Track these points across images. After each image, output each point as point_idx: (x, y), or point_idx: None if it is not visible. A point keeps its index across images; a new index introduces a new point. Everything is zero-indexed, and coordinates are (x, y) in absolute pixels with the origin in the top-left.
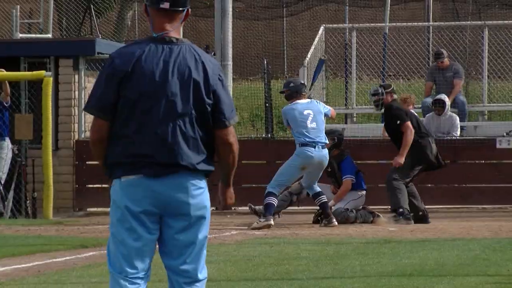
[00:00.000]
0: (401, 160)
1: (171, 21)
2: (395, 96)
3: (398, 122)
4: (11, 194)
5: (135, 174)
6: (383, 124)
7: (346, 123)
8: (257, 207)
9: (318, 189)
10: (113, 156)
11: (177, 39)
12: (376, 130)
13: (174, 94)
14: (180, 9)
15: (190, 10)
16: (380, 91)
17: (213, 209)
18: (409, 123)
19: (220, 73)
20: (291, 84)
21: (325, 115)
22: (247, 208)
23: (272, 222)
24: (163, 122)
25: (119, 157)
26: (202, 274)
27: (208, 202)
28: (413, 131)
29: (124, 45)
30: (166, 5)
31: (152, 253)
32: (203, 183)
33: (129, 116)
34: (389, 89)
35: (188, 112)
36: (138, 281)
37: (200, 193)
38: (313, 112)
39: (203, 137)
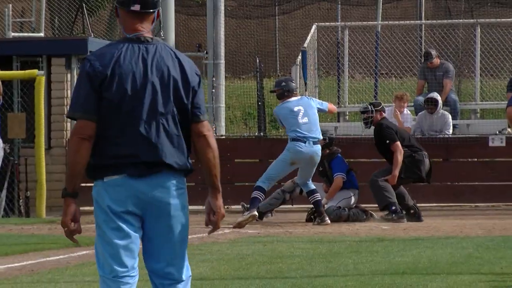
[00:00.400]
0: (395, 180)
1: (142, 22)
2: (384, 114)
3: (388, 142)
4: (4, 193)
5: (118, 175)
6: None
7: (338, 121)
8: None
9: (312, 186)
10: (96, 157)
11: (151, 38)
12: (369, 129)
13: (155, 93)
14: (151, 10)
15: (160, 11)
16: (369, 108)
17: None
18: (398, 143)
19: (196, 69)
20: (283, 83)
21: (321, 110)
22: (240, 206)
23: (255, 212)
24: (146, 122)
25: (103, 158)
26: (186, 273)
27: (187, 203)
28: (402, 151)
29: (100, 47)
30: (136, 7)
31: (138, 250)
32: (183, 183)
33: (112, 117)
34: (379, 107)
35: (170, 110)
36: (129, 280)
37: (180, 193)
38: (304, 108)
39: (185, 135)
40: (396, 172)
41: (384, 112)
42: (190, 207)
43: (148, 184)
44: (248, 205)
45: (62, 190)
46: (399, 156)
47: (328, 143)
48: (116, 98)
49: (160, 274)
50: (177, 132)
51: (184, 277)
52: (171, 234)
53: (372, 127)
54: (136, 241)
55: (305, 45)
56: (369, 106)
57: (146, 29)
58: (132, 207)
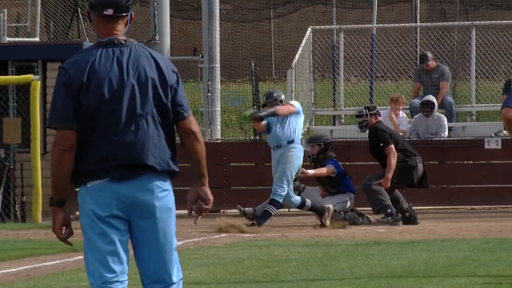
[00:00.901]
0: (388, 183)
1: (116, 26)
2: (379, 118)
3: (381, 144)
4: (1, 198)
5: (100, 179)
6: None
7: (334, 124)
8: (246, 209)
9: (298, 199)
10: (78, 163)
11: (125, 40)
12: (364, 132)
13: (133, 95)
14: (124, 14)
15: (133, 14)
16: (364, 112)
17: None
18: (392, 146)
19: (173, 67)
20: (274, 94)
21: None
22: (237, 210)
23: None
24: (126, 124)
25: (84, 164)
26: (176, 276)
27: (173, 205)
28: (396, 154)
29: (75, 54)
30: (109, 11)
31: (127, 254)
32: (168, 185)
33: (92, 122)
34: (374, 111)
35: (149, 111)
36: (119, 285)
37: (165, 195)
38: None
39: (166, 135)
40: (389, 175)
41: (379, 115)
42: (184, 211)
43: (131, 187)
44: (245, 209)
45: (49, 199)
46: (393, 159)
47: (323, 148)
48: (94, 103)
49: (151, 277)
50: (158, 133)
51: (175, 279)
52: (157, 236)
53: (367, 131)
54: (123, 245)
55: (301, 48)
56: (364, 110)
57: (119, 32)
58: (117, 211)
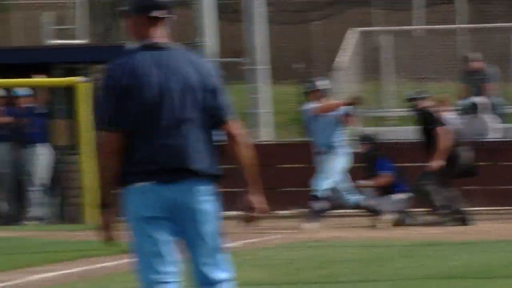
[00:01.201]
0: (438, 163)
1: (159, 29)
2: (429, 103)
3: (432, 126)
4: (55, 200)
5: (145, 181)
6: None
7: (380, 126)
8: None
9: (354, 199)
10: (124, 165)
11: (167, 43)
12: (411, 132)
13: (174, 99)
14: (168, 16)
15: (174, 16)
16: (416, 96)
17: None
18: (443, 127)
19: (215, 71)
20: (318, 82)
21: None
22: (288, 211)
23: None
24: (169, 129)
25: (130, 166)
26: (225, 276)
27: (217, 207)
28: (447, 135)
29: (119, 57)
30: (158, 13)
31: (175, 255)
32: (211, 189)
33: (135, 126)
34: (425, 95)
35: (191, 115)
36: (165, 286)
37: (208, 199)
38: None
39: (209, 140)
40: (439, 155)
41: (430, 100)
42: (235, 213)
43: (175, 191)
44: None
45: (95, 201)
46: (444, 139)
47: (373, 147)
48: (137, 107)
49: (199, 279)
50: (201, 137)
51: (223, 279)
52: (202, 239)
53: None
54: (169, 246)
55: (345, 49)
56: (415, 94)
57: (162, 35)
58: (161, 213)
